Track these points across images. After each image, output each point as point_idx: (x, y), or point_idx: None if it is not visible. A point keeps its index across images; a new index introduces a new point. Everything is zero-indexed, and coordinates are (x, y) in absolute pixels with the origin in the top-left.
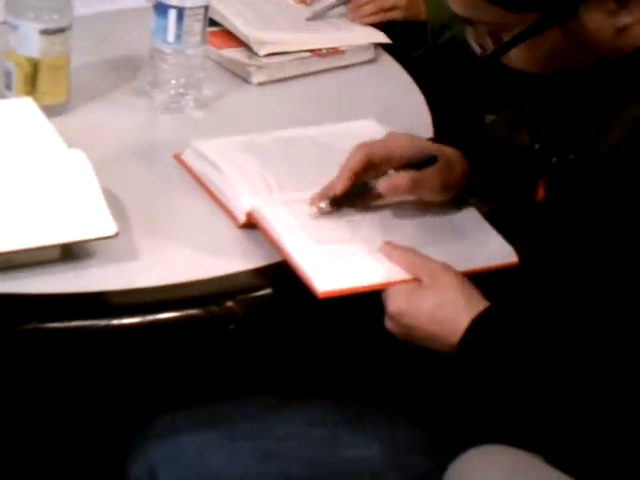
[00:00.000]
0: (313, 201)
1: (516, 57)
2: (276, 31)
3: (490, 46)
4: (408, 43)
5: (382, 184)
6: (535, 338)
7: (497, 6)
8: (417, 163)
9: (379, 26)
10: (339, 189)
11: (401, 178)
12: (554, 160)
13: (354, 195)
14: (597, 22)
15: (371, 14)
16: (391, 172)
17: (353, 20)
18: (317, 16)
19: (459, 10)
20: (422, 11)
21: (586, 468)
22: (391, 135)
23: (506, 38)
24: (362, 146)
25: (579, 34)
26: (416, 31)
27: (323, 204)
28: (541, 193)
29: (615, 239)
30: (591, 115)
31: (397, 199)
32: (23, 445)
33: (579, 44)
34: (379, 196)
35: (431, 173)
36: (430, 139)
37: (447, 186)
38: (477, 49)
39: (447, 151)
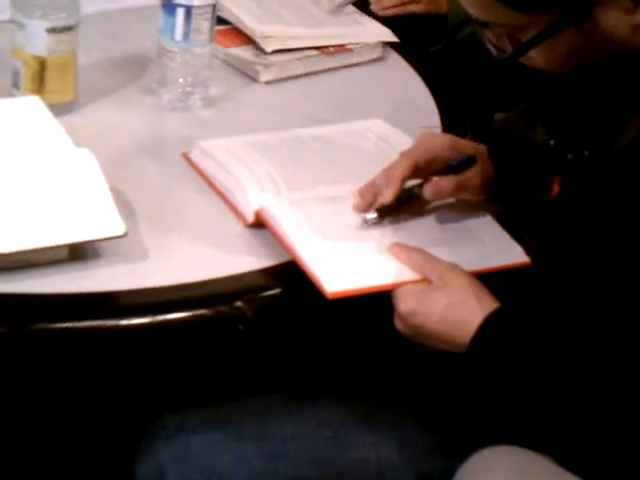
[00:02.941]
0: (357, 209)
1: (535, 57)
2: (283, 26)
3: (508, 48)
4: (429, 37)
5: (429, 190)
6: (547, 339)
7: (511, 8)
8: (457, 165)
9: (399, 19)
10: (388, 199)
11: (447, 183)
12: (570, 156)
13: (400, 203)
14: (613, 21)
15: (393, 6)
16: (435, 178)
17: (376, 11)
18: (340, 7)
19: (475, 14)
20: (444, 5)
21: (596, 469)
22: (429, 137)
23: (524, 39)
24: (407, 154)
25: (595, 33)
26: (438, 25)
27: (372, 215)
28: (555, 189)
29: (630, 237)
30: (607, 111)
31: (440, 202)
32: (31, 445)
33: (596, 42)
34: (423, 202)
35: (472, 174)
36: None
37: (487, 185)
38: (494, 51)
39: (483, 150)
